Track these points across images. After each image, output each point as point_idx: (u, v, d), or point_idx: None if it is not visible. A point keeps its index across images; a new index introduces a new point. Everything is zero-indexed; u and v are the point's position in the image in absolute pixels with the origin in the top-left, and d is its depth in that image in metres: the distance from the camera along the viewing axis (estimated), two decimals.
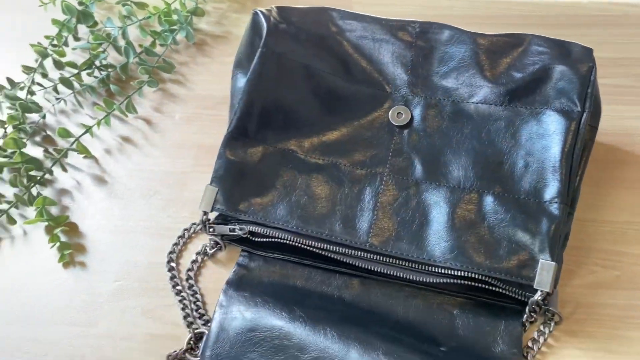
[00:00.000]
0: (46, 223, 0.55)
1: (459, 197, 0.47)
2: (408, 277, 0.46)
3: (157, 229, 0.54)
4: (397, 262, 0.47)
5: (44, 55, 0.63)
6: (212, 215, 0.51)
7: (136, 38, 0.66)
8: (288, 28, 0.53)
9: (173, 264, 0.51)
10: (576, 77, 0.47)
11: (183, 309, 0.49)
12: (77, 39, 0.66)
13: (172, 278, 0.51)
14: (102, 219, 0.55)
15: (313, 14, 0.55)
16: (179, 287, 0.50)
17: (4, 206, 0.56)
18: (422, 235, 0.46)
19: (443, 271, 0.45)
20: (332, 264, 0.49)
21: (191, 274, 0.51)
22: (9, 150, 0.58)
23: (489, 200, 0.47)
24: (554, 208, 0.45)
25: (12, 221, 0.55)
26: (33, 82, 0.62)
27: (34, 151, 0.59)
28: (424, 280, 0.46)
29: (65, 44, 0.65)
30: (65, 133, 0.58)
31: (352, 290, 0.48)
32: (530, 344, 0.45)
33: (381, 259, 0.47)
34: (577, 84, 0.47)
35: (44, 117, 0.61)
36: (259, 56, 0.51)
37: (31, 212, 0.56)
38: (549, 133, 0.47)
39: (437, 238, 0.46)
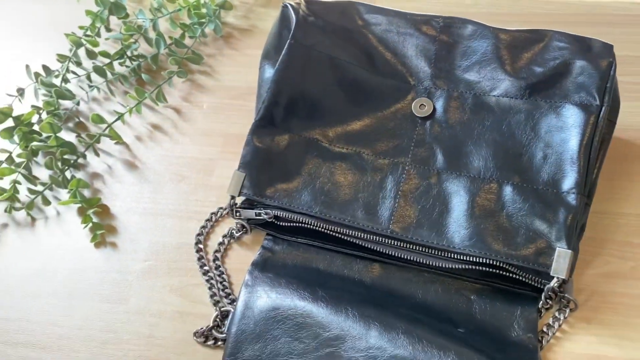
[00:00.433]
0: (79, 204, 0.57)
1: (479, 186, 0.49)
2: (427, 262, 0.48)
3: (185, 212, 0.56)
4: (417, 248, 0.48)
5: (78, 44, 0.65)
6: (239, 200, 0.53)
7: (166, 30, 0.68)
8: (316, 21, 0.55)
9: (201, 245, 0.53)
10: (596, 71, 0.49)
11: (210, 288, 0.51)
12: (109, 29, 0.69)
13: (199, 259, 0.53)
14: (132, 202, 0.57)
15: (340, 7, 0.57)
16: (206, 268, 0.52)
17: (39, 188, 0.58)
18: (442, 223, 0.48)
19: (462, 257, 0.47)
20: (354, 249, 0.51)
21: (218, 255, 0.53)
22: (44, 135, 0.60)
23: (508, 190, 0.48)
24: (572, 198, 0.46)
25: (46, 202, 0.58)
26: (67, 70, 0.65)
27: (68, 137, 0.62)
28: (443, 265, 0.47)
29: (98, 34, 0.68)
30: (98, 119, 0.61)
31: (372, 274, 0.50)
32: (545, 329, 0.46)
33: (402, 245, 0.49)
34: (596, 79, 0.48)
35: (77, 104, 0.64)
36: (287, 47, 0.53)
37: (64, 194, 0.58)
38: (567, 126, 0.48)
39: (457, 225, 0.47)
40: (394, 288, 0.49)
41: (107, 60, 0.65)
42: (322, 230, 0.50)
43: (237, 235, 0.54)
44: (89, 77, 0.65)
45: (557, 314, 0.47)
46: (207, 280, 0.51)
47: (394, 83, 0.54)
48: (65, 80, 0.64)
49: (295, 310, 0.46)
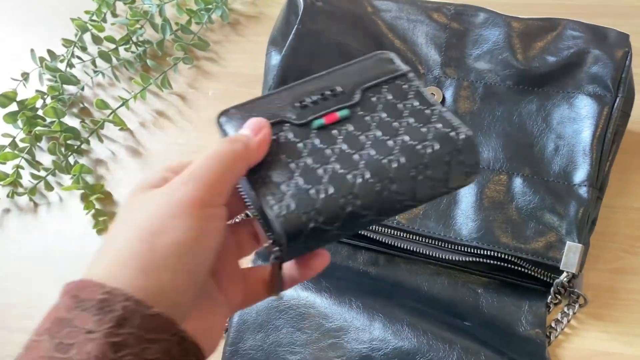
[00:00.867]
0: (82, 191, 0.56)
1: (488, 177, 0.48)
2: (434, 254, 0.47)
3: None
4: (423, 240, 0.47)
5: (83, 29, 0.65)
6: None
7: (172, 16, 0.67)
8: (324, 6, 0.54)
9: None
10: (611, 61, 0.47)
11: None
12: (115, 15, 0.68)
13: None
14: None
15: None
16: None
17: (42, 173, 0.57)
18: (449, 214, 0.47)
19: (469, 250, 0.46)
20: (359, 240, 0.50)
21: None
22: (48, 120, 0.60)
23: (518, 182, 0.47)
24: (583, 191, 0.45)
25: (49, 188, 0.57)
26: (72, 55, 0.64)
27: (72, 122, 0.61)
28: (450, 258, 0.46)
29: (104, 19, 0.67)
30: (102, 104, 0.60)
31: (377, 266, 0.49)
32: (553, 325, 0.45)
33: (407, 237, 0.48)
34: (611, 69, 0.47)
35: (82, 89, 0.63)
36: (294, 33, 0.52)
37: (67, 180, 0.58)
38: (580, 117, 0.47)
39: (465, 217, 0.46)
40: (399, 280, 0.48)
41: (112, 46, 0.64)
42: None
43: None
44: (94, 63, 0.64)
45: (566, 309, 0.46)
46: None
47: None
48: (70, 65, 0.64)
49: (298, 300, 0.46)
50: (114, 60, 0.64)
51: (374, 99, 0.31)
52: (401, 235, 0.48)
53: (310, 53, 0.52)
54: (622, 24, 0.61)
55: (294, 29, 0.52)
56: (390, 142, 0.29)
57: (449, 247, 0.47)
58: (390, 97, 0.31)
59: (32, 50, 0.63)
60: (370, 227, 0.48)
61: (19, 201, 0.58)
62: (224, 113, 0.31)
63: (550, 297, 0.45)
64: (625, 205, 0.50)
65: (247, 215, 0.53)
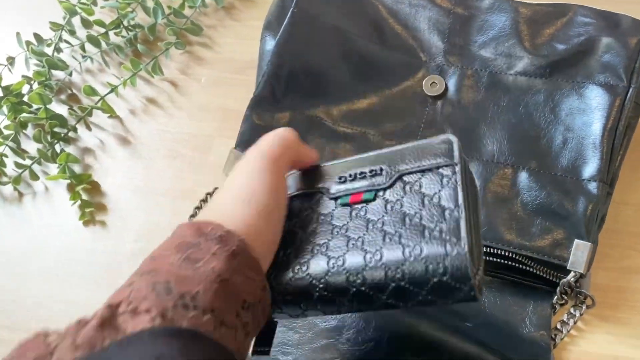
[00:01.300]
0: (68, 180, 0.54)
1: (493, 171, 0.45)
2: None
3: (179, 191, 0.53)
4: None
5: (72, 12, 0.62)
6: None
7: None
8: None
9: None
10: (624, 50, 0.45)
11: None
12: None
13: None
14: (124, 179, 0.54)
15: None
16: None
17: (27, 162, 0.55)
18: None
19: None
20: None
21: None
22: (35, 106, 0.57)
23: (523, 176, 0.45)
24: (593, 187, 0.43)
25: (34, 177, 0.55)
26: (60, 39, 0.62)
27: (59, 109, 0.59)
28: None
29: (94, 2, 0.64)
30: (90, 91, 0.57)
31: None
32: (559, 327, 0.43)
33: None
34: (624, 58, 0.45)
35: (70, 74, 0.61)
36: (290, 16, 0.49)
37: (54, 169, 0.56)
38: (590, 108, 0.45)
39: None
40: None
41: (102, 30, 0.62)
42: None
43: None
44: (82, 47, 0.62)
45: (572, 310, 0.44)
46: None
47: (404, 58, 0.50)
48: (57, 49, 0.61)
49: None
50: (104, 44, 0.61)
51: (406, 185, 0.31)
52: None
53: (306, 38, 0.50)
54: (636, 10, 0.58)
55: (289, 12, 0.49)
56: (389, 232, 0.29)
57: None
58: (421, 185, 0.30)
59: (17, 34, 0.61)
60: None
61: (3, 191, 0.55)
62: (291, 174, 0.36)
63: (556, 297, 0.43)
64: (636, 202, 0.48)
65: None
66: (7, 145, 0.56)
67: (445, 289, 0.27)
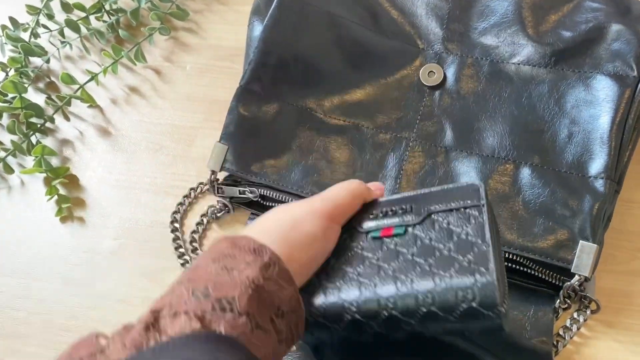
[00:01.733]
0: (45, 174, 0.51)
1: (493, 167, 0.43)
2: None
3: (162, 186, 0.50)
4: None
5: None
6: (221, 176, 0.47)
7: None
8: None
9: (177, 225, 0.48)
10: (635, 37, 0.42)
11: None
12: None
13: (175, 239, 0.47)
14: (104, 173, 0.52)
15: None
16: (181, 250, 0.47)
17: (1, 154, 0.52)
18: None
19: None
20: None
21: (195, 236, 0.47)
22: (9, 95, 0.54)
23: (525, 172, 0.42)
24: (599, 184, 0.40)
25: (9, 170, 0.52)
26: (38, 24, 0.59)
27: (36, 97, 0.56)
28: None
29: None
30: (69, 79, 0.54)
31: None
32: (561, 333, 0.41)
33: None
34: (635, 46, 0.42)
35: (47, 61, 0.58)
36: (277, 1, 0.46)
37: (30, 161, 0.53)
38: (598, 100, 0.42)
39: None
40: None
41: (82, 14, 0.59)
42: None
43: (219, 215, 0.48)
44: (61, 32, 0.59)
45: (575, 315, 0.41)
46: (183, 264, 0.46)
47: (400, 46, 0.47)
48: (35, 35, 0.58)
49: None
50: (84, 30, 0.58)
51: (435, 223, 0.32)
52: None
53: (295, 23, 0.47)
54: None
55: None
56: (419, 263, 0.31)
57: None
58: (449, 223, 0.32)
59: None
60: None
61: None
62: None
63: (558, 301, 0.41)
64: None
65: None
66: None
67: (473, 315, 0.28)
